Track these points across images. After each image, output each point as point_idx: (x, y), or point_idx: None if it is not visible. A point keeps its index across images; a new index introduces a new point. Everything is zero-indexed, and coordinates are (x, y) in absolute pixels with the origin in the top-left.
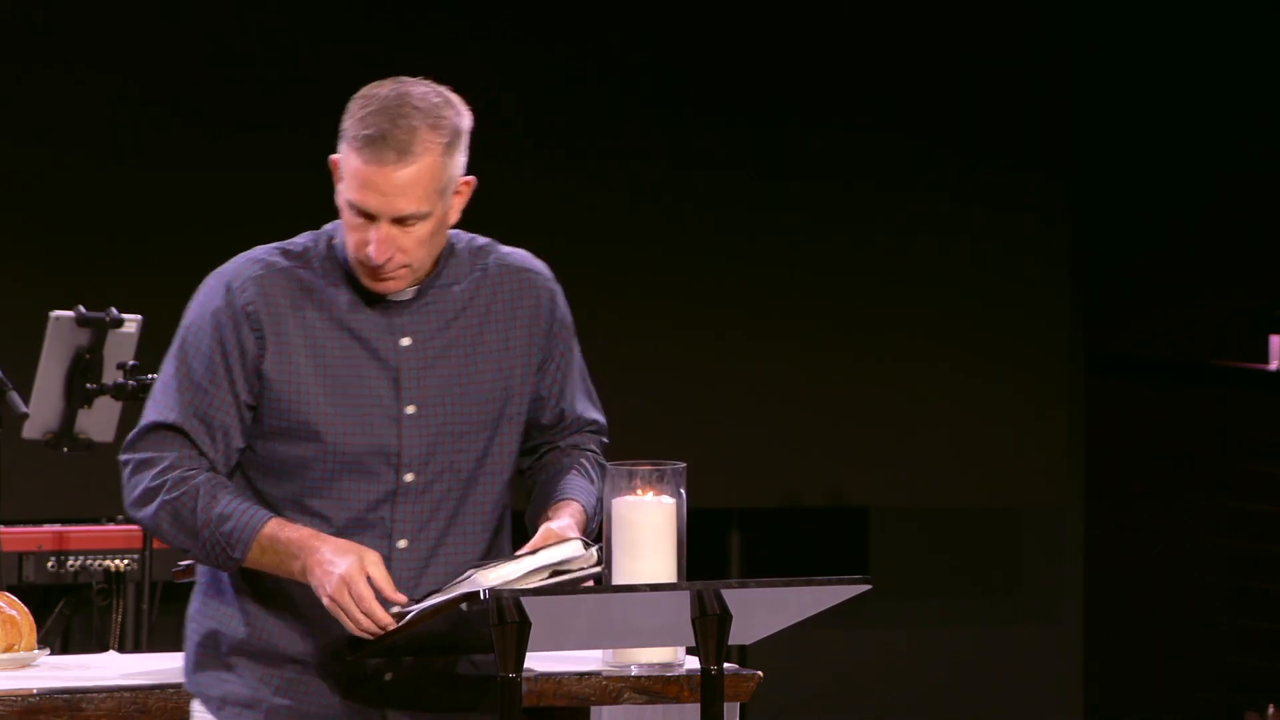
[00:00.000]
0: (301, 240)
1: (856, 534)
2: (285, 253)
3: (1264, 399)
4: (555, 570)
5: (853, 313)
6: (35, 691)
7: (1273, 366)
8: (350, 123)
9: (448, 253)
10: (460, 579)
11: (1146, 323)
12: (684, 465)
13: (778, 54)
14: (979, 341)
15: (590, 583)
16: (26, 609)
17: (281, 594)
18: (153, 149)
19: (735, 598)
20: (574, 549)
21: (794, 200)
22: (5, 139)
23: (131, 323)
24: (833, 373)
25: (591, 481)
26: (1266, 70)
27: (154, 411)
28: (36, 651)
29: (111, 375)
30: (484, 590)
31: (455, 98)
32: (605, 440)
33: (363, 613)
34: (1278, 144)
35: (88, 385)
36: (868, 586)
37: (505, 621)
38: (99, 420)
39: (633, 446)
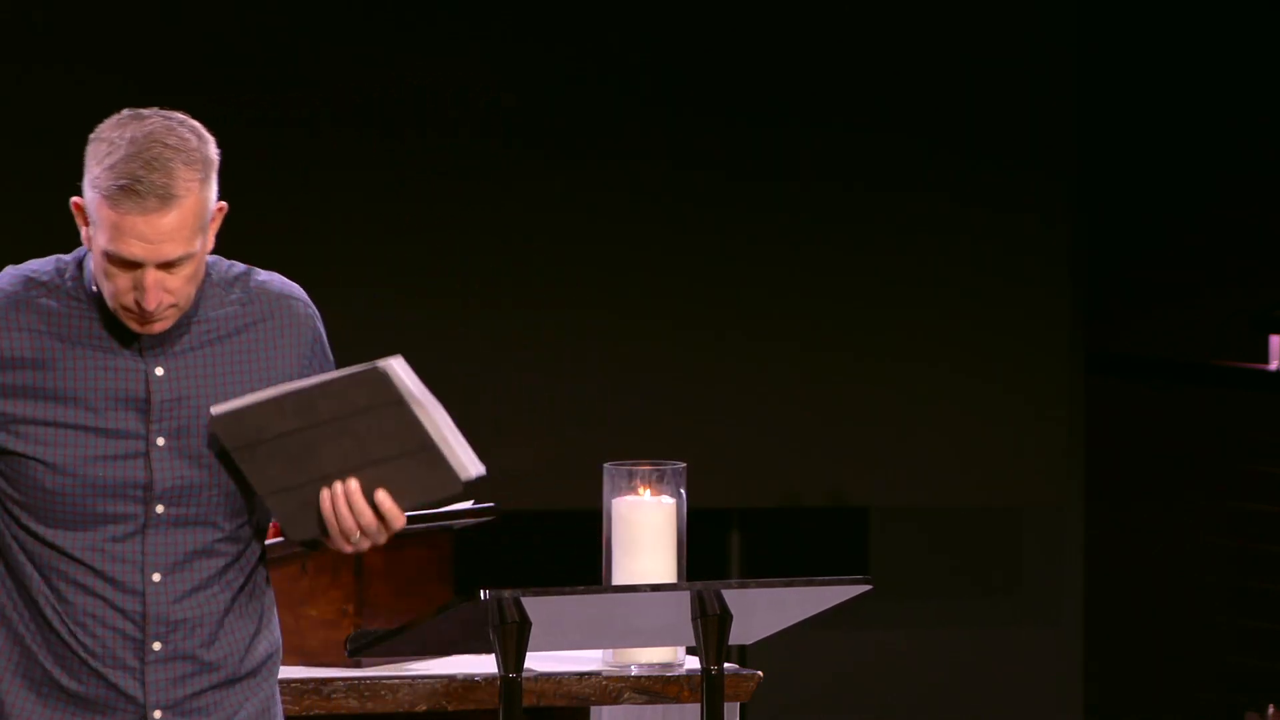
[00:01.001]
0: (47, 266)
1: (856, 534)
2: (29, 281)
3: (1264, 399)
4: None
5: (853, 313)
6: None
7: (1273, 366)
8: (98, 170)
9: (204, 280)
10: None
11: (1146, 323)
12: (684, 465)
13: (778, 54)
14: (979, 341)
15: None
16: None
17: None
18: None
19: (735, 598)
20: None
21: (794, 200)
22: (5, 139)
23: None
24: (833, 373)
25: None
26: (1266, 70)
27: None
28: None
29: None
30: (389, 365)
31: (198, 125)
32: None
33: None
34: (1278, 144)
35: None
36: (868, 587)
37: (505, 621)
38: None
39: (633, 446)
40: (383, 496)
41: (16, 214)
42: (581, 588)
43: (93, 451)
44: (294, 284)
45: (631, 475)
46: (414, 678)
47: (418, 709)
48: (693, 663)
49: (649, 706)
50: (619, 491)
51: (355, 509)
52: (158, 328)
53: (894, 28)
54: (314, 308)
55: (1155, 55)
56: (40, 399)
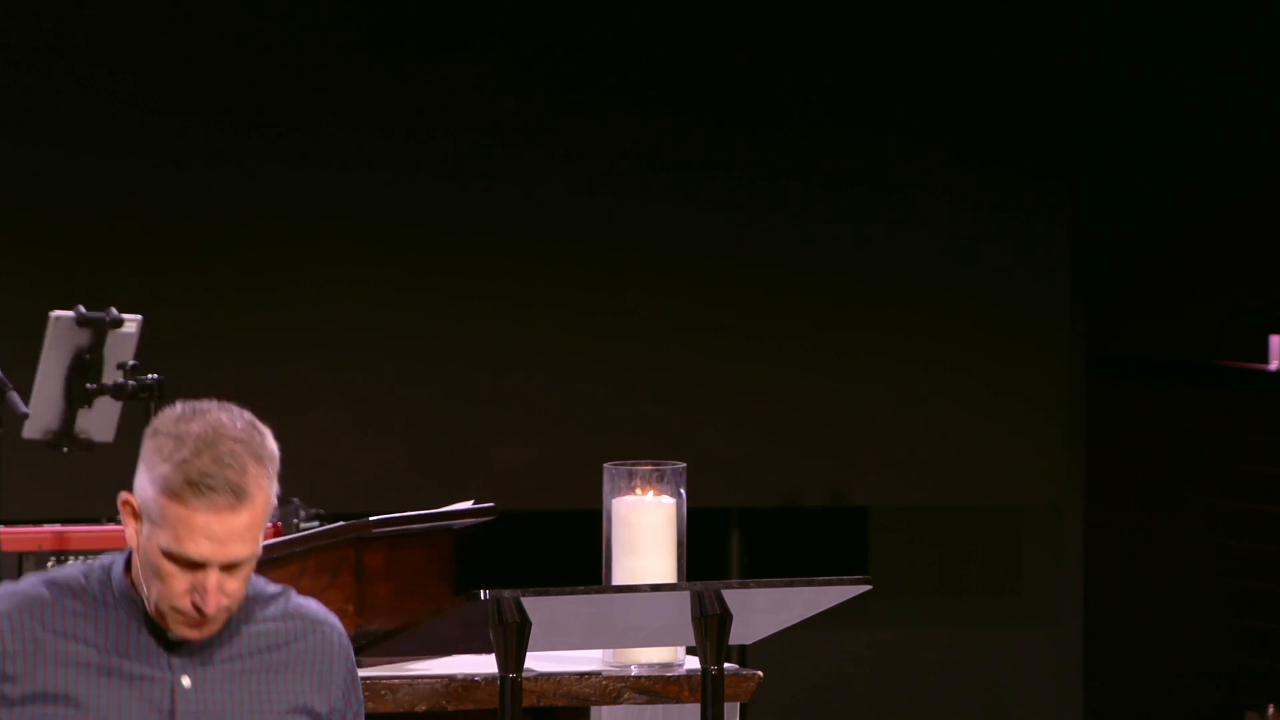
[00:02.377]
0: (72, 571)
1: (856, 534)
2: (51, 584)
3: (1264, 399)
4: None
5: (853, 313)
6: None
7: (1273, 366)
8: (164, 466)
9: None
10: None
11: (1146, 323)
12: (684, 465)
13: (777, 54)
14: (979, 342)
15: None
16: None
17: None
18: (153, 148)
19: (735, 598)
20: None
21: (794, 200)
22: (5, 138)
23: (131, 323)
24: (833, 373)
25: None
26: (1266, 70)
27: None
28: None
29: (111, 375)
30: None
31: (255, 419)
32: None
33: None
34: (1276, 144)
35: (88, 385)
36: (868, 586)
37: (505, 621)
38: (99, 420)
39: (633, 446)
40: None
41: (17, 213)
42: (581, 588)
43: None
44: (330, 612)
45: (631, 475)
46: (414, 678)
47: (418, 709)
48: (693, 663)
49: (649, 706)
50: (619, 491)
51: None
52: (208, 632)
53: (894, 29)
54: (348, 638)
55: (1154, 56)
56: (60, 704)
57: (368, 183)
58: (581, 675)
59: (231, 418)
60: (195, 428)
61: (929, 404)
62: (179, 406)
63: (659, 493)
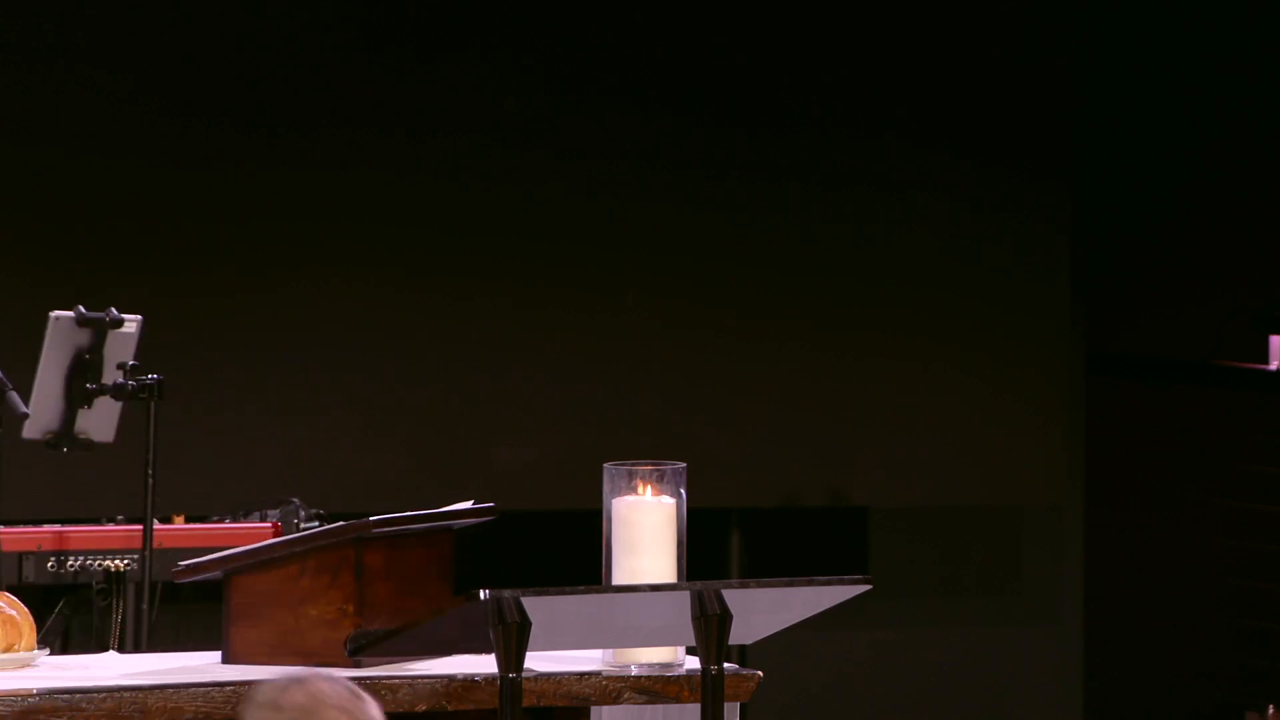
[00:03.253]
0: None
1: (856, 534)
2: None
3: (1264, 399)
4: None
5: (853, 313)
6: (35, 691)
7: (1273, 366)
8: None
9: None
10: None
11: (1146, 323)
12: (684, 465)
13: (778, 55)
14: (979, 342)
15: None
16: (26, 609)
17: None
18: (154, 149)
19: (735, 598)
20: None
21: (794, 201)
22: (6, 139)
23: (131, 323)
24: (833, 373)
25: None
26: (1266, 70)
27: None
28: (36, 651)
29: (111, 375)
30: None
31: (353, 684)
32: None
33: None
34: (1276, 144)
35: (88, 385)
36: (868, 586)
37: (505, 621)
38: (99, 420)
39: (633, 446)
40: None
41: (17, 213)
42: (581, 588)
43: None
44: None
45: (631, 475)
46: (414, 678)
47: (418, 709)
48: (693, 663)
49: (649, 706)
50: (619, 491)
51: None
52: None
53: (894, 29)
54: None
55: (1154, 56)
56: None
57: (368, 183)
58: (581, 675)
59: (334, 686)
60: (298, 698)
61: (929, 404)
62: (279, 678)
63: (659, 493)
